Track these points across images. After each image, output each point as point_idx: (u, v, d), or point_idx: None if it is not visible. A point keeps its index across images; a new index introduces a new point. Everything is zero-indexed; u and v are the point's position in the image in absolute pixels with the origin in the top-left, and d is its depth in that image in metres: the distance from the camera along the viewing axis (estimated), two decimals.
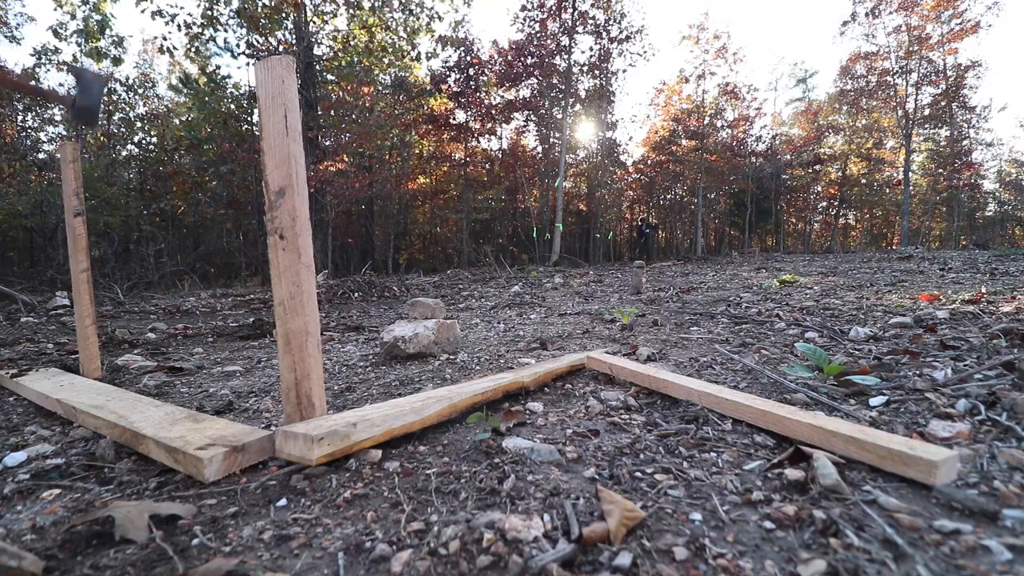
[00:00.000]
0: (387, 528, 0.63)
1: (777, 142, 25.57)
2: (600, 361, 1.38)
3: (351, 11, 10.25)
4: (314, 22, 10.15)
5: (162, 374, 1.64)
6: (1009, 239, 30.81)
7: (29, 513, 0.71)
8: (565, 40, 16.02)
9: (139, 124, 13.88)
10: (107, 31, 9.56)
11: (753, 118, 22.96)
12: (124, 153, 13.60)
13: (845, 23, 22.00)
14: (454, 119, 17.73)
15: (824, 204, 29.98)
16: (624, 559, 0.54)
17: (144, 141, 13.75)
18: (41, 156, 12.45)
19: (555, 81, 16.54)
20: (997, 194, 31.38)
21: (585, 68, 17.13)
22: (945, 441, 0.84)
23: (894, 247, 23.23)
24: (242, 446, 0.81)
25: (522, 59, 16.42)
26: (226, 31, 9.26)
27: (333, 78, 11.25)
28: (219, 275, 10.95)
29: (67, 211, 1.50)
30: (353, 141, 12.15)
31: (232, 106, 11.52)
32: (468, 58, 16.74)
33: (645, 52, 16.78)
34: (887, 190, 28.05)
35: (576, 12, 15.74)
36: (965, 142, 24.29)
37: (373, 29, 10.46)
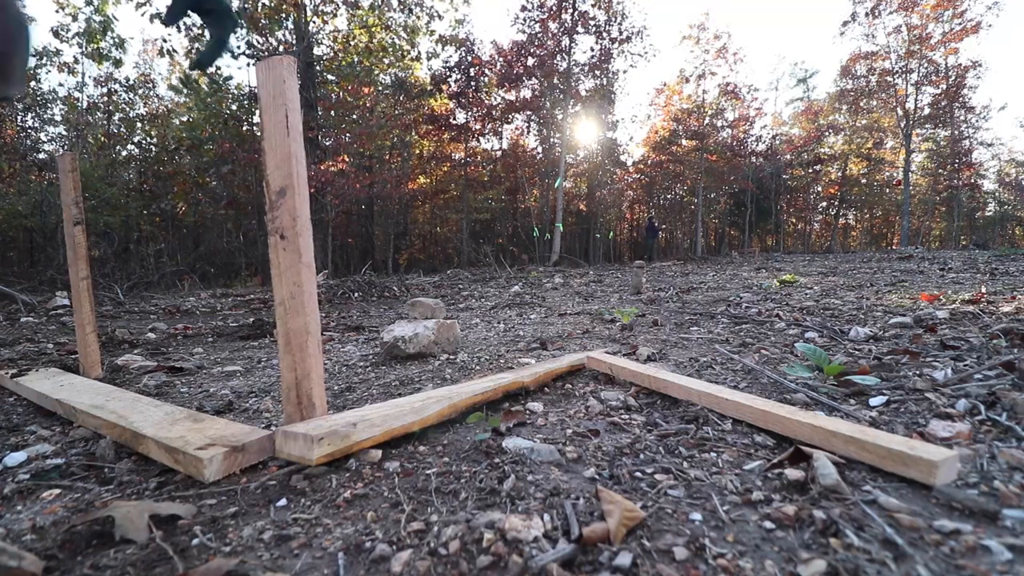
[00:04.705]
0: (387, 528, 0.63)
1: (777, 142, 25.56)
2: (600, 361, 1.38)
3: (351, 11, 10.25)
4: (314, 22, 10.15)
5: (162, 374, 1.63)
6: (1009, 239, 30.82)
7: (29, 513, 0.71)
8: (565, 40, 16.01)
9: (139, 124, 13.87)
10: (109, 33, 9.56)
11: (753, 118, 22.94)
12: (124, 153, 13.60)
13: (845, 23, 22.00)
14: (455, 119, 17.73)
15: (824, 204, 29.98)
16: (624, 559, 0.54)
17: (144, 141, 13.74)
18: (41, 156, 12.45)
19: (556, 81, 16.53)
20: (997, 194, 31.37)
21: (586, 68, 17.13)
22: (945, 441, 0.84)
23: (894, 247, 23.23)
24: (242, 446, 0.81)
25: (523, 59, 16.42)
26: None
27: (333, 78, 11.25)
28: (219, 275, 10.95)
29: (66, 220, 1.50)
30: (354, 141, 12.16)
31: (233, 107, 11.52)
32: (469, 58, 16.75)
33: (646, 52, 16.78)
34: (887, 190, 28.05)
35: (576, 12, 15.73)
36: (965, 142, 24.28)
37: (373, 29, 10.46)
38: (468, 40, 16.36)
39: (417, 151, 19.00)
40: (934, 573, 0.52)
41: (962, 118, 23.38)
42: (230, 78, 11.71)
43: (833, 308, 2.57)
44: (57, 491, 0.77)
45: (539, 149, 20.14)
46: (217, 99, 11.27)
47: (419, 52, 11.29)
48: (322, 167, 9.61)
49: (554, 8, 15.87)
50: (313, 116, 9.94)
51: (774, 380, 1.25)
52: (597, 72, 17.38)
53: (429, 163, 19.41)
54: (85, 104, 13.68)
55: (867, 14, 21.24)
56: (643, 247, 16.09)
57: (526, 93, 17.45)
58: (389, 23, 10.56)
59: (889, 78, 21.90)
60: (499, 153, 20.04)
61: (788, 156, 25.58)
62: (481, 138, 18.97)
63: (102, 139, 13.37)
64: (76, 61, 11.51)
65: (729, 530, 0.60)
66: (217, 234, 13.76)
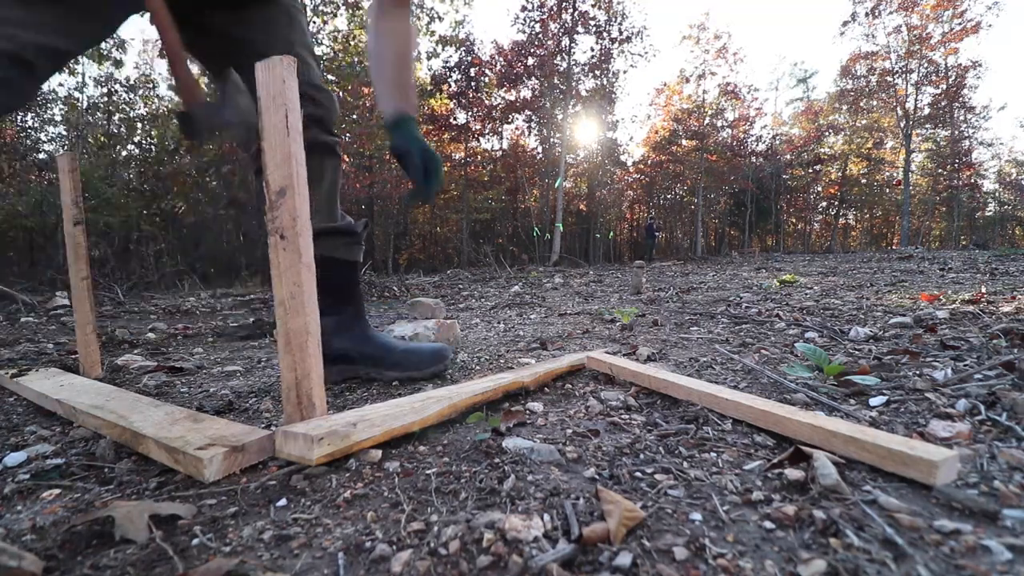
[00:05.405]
0: (387, 528, 0.63)
1: (777, 142, 25.56)
2: (600, 361, 1.38)
3: (351, 11, 10.25)
4: (314, 22, 10.15)
5: (162, 374, 1.64)
6: (1009, 239, 30.84)
7: (29, 513, 0.71)
8: (565, 40, 16.03)
9: (139, 124, 13.88)
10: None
11: (753, 118, 22.98)
12: (124, 153, 13.60)
13: (845, 23, 22.03)
14: (455, 119, 17.73)
15: (824, 204, 30.00)
16: (624, 559, 0.54)
17: (144, 141, 13.74)
18: (41, 156, 12.46)
19: (556, 81, 16.54)
20: (997, 194, 31.38)
21: (586, 68, 17.15)
22: (945, 441, 0.84)
23: (894, 247, 23.22)
24: (242, 446, 0.81)
25: (523, 59, 16.43)
26: None
27: (333, 78, 11.25)
28: (219, 275, 10.94)
29: (66, 220, 1.49)
30: (354, 141, 12.16)
31: None
32: (469, 58, 16.76)
33: (646, 52, 16.81)
34: (887, 190, 28.07)
35: (576, 12, 15.74)
36: (965, 142, 24.28)
37: None
38: (468, 40, 16.37)
39: None
40: (934, 573, 0.52)
41: (962, 118, 23.40)
42: None
43: (833, 308, 2.57)
44: (57, 491, 0.77)
45: (539, 149, 20.15)
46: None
47: (419, 52, 11.29)
48: None
49: (554, 8, 15.88)
50: None
51: (774, 380, 1.25)
52: (597, 72, 17.39)
53: None
54: (85, 104, 13.68)
55: (867, 14, 21.26)
56: (643, 247, 16.21)
57: (526, 93, 17.46)
58: None
59: (889, 78, 21.92)
60: (499, 153, 20.05)
61: (788, 156, 25.58)
62: (481, 138, 18.98)
63: (102, 139, 13.37)
64: (76, 61, 11.50)
65: (729, 530, 0.60)
66: (217, 234, 13.75)
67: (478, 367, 1.62)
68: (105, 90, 13.95)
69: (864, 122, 24.48)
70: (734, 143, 22.49)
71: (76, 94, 13.75)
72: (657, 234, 16.44)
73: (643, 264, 4.65)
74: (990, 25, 19.21)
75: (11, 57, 0.78)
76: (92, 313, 1.55)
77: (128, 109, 14.15)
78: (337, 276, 1.39)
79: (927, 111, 22.29)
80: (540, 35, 16.28)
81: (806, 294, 3.45)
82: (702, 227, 23.46)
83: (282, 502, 0.71)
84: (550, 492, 0.70)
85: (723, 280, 5.39)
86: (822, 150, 25.53)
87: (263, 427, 1.05)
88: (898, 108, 22.20)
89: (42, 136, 13.35)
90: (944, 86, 21.56)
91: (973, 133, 23.94)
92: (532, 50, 16.25)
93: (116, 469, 0.85)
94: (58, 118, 13.48)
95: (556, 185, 15.80)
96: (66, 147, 13.14)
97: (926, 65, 21.21)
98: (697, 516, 0.63)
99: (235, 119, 1.01)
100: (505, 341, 2.11)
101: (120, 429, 0.93)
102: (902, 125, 22.12)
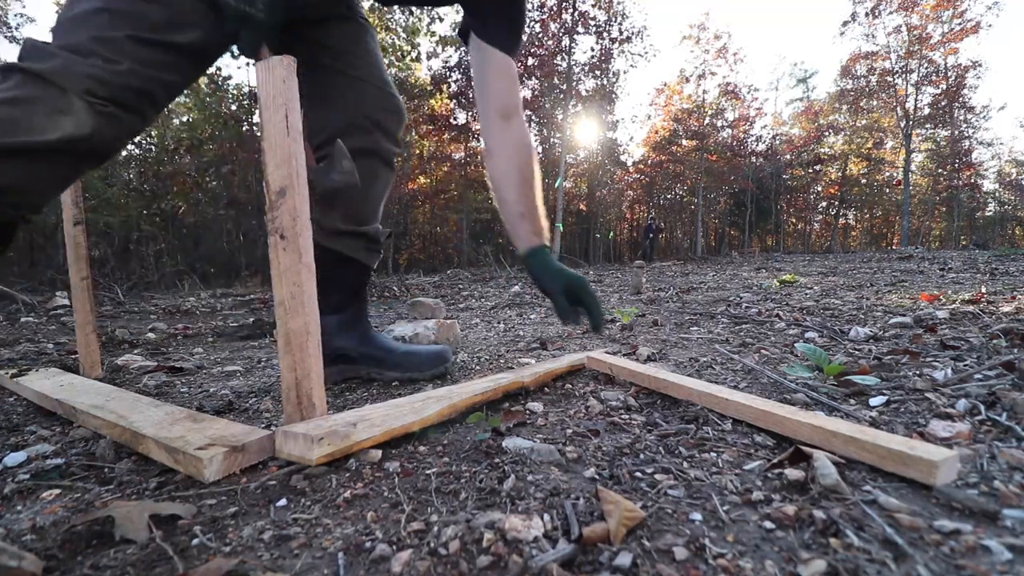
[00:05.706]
0: (387, 528, 0.63)
1: (777, 142, 25.55)
2: (600, 361, 1.38)
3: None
4: None
5: (162, 374, 1.64)
6: (1009, 239, 30.84)
7: (29, 513, 0.71)
8: (566, 40, 16.02)
9: None
10: None
11: (753, 118, 22.98)
12: (124, 153, 13.59)
13: (845, 23, 22.02)
14: (455, 119, 17.72)
15: (824, 204, 30.00)
16: (624, 559, 0.54)
17: (144, 141, 13.72)
18: None
19: (556, 81, 16.54)
20: (997, 194, 31.38)
21: (586, 68, 17.14)
22: (945, 441, 0.84)
23: (894, 247, 23.22)
24: (242, 446, 0.81)
25: (523, 60, 16.40)
26: None
27: None
28: (219, 275, 10.94)
29: (66, 220, 1.49)
30: None
31: (233, 107, 11.52)
32: (469, 58, 16.75)
33: (646, 52, 16.81)
34: (887, 190, 28.07)
35: (576, 12, 15.74)
36: (965, 142, 24.28)
37: None
38: None
39: (417, 151, 18.98)
40: (934, 573, 0.52)
41: (962, 118, 23.39)
42: (230, 78, 11.72)
43: (833, 308, 2.57)
44: (57, 491, 0.77)
45: (539, 149, 20.13)
46: (216, 99, 11.28)
47: (419, 52, 11.30)
48: None
49: (554, 8, 15.87)
50: None
51: (774, 380, 1.25)
52: (597, 72, 17.39)
53: (429, 163, 19.40)
54: None
55: (867, 14, 21.25)
56: (640, 247, 16.28)
57: (526, 93, 17.43)
58: (389, 23, 10.56)
59: (889, 78, 21.92)
60: None
61: (788, 156, 25.58)
62: (481, 138, 18.96)
63: None
64: None
65: (729, 530, 0.60)
66: (217, 234, 13.73)
67: (478, 367, 1.62)
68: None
69: (864, 122, 24.48)
70: (734, 143, 22.49)
71: None
72: (651, 235, 16.43)
73: (643, 264, 4.65)
74: (990, 25, 19.22)
75: (140, 92, 0.90)
76: (92, 313, 1.55)
77: None
78: (349, 277, 1.40)
79: (927, 111, 22.30)
80: (540, 35, 16.29)
81: (806, 294, 3.45)
82: (702, 227, 23.47)
83: (282, 502, 0.71)
84: (550, 492, 0.70)
85: (723, 280, 5.39)
86: (822, 150, 25.53)
87: (263, 427, 1.05)
88: (898, 108, 22.20)
89: None
90: (944, 86, 21.56)
91: (973, 133, 23.94)
92: (532, 50, 16.25)
93: (116, 469, 0.85)
94: None
95: (556, 185, 15.80)
96: None
97: (926, 65, 21.20)
98: (697, 516, 0.63)
99: (340, 182, 1.16)
100: (505, 341, 2.11)
101: (120, 429, 0.93)
102: (902, 125, 22.13)
